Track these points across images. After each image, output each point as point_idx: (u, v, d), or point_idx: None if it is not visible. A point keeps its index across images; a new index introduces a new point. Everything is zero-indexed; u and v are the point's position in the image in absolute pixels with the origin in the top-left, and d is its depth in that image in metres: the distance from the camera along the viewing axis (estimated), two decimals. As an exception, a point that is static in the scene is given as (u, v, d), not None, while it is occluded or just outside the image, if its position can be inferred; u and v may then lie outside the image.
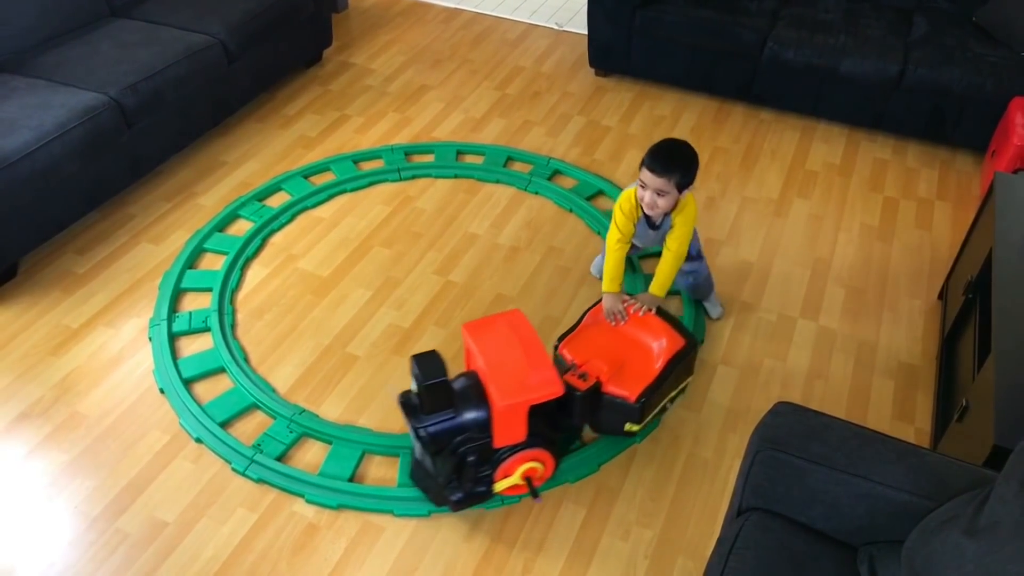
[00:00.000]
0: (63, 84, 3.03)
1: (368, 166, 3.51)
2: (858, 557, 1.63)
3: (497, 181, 3.41)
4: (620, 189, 3.36)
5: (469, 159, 3.57)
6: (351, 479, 2.28)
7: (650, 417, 2.31)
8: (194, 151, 3.54)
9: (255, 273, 2.96)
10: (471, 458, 2.04)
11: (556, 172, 3.46)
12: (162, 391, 2.51)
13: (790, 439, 1.69)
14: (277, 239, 3.11)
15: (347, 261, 3.02)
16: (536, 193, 3.35)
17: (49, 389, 2.52)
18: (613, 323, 2.38)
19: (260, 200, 3.28)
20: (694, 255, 2.61)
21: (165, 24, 3.46)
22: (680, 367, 2.29)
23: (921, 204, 3.38)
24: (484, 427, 2.02)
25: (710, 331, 2.77)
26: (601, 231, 3.13)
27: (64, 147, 2.83)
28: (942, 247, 3.16)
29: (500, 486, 2.12)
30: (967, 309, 2.47)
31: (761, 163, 3.59)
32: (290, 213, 3.21)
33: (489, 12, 4.76)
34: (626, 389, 2.19)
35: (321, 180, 3.42)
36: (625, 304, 2.40)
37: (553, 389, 1.99)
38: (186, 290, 2.86)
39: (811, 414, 1.75)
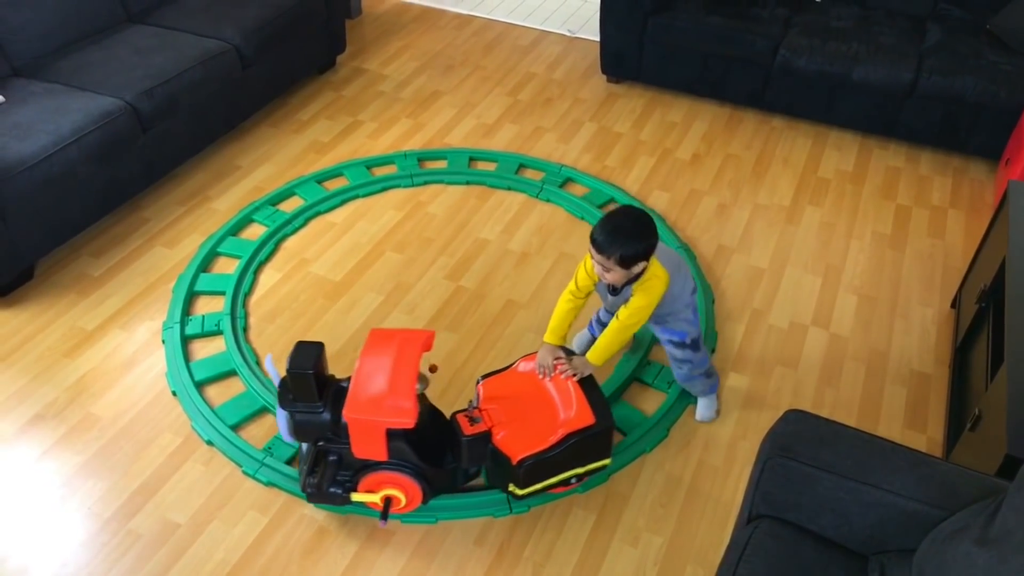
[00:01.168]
0: (80, 89, 3.07)
1: (381, 171, 3.53)
2: (868, 566, 1.63)
3: (509, 188, 3.42)
4: (630, 197, 3.37)
5: (481, 166, 3.58)
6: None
7: (540, 487, 2.12)
8: (208, 155, 3.57)
9: (268, 277, 2.98)
10: (332, 458, 2.06)
11: (568, 180, 3.47)
12: (174, 394, 2.53)
13: (801, 447, 1.69)
14: (290, 243, 3.13)
15: (359, 266, 3.03)
16: (547, 200, 3.36)
17: (64, 391, 2.55)
18: (541, 376, 2.19)
19: (273, 204, 3.30)
20: (687, 342, 2.32)
21: (181, 30, 3.49)
22: (585, 446, 2.08)
23: (934, 212, 3.37)
24: (343, 433, 2.00)
25: (721, 336, 2.77)
26: (612, 237, 3.14)
27: (81, 151, 2.86)
28: (955, 256, 3.14)
29: (358, 497, 2.08)
30: (980, 318, 2.46)
31: (773, 170, 3.59)
32: (303, 218, 3.23)
33: (501, 19, 4.78)
34: (513, 448, 2.04)
35: (334, 185, 3.44)
36: (557, 360, 2.19)
37: (403, 420, 1.92)
38: (199, 293, 2.89)
39: (822, 422, 1.75)
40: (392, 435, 1.98)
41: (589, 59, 4.37)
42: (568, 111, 3.95)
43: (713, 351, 2.71)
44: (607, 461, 2.20)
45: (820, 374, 2.66)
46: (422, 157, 3.60)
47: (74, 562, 2.11)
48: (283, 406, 2.03)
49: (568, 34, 4.65)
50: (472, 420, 2.08)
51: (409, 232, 3.19)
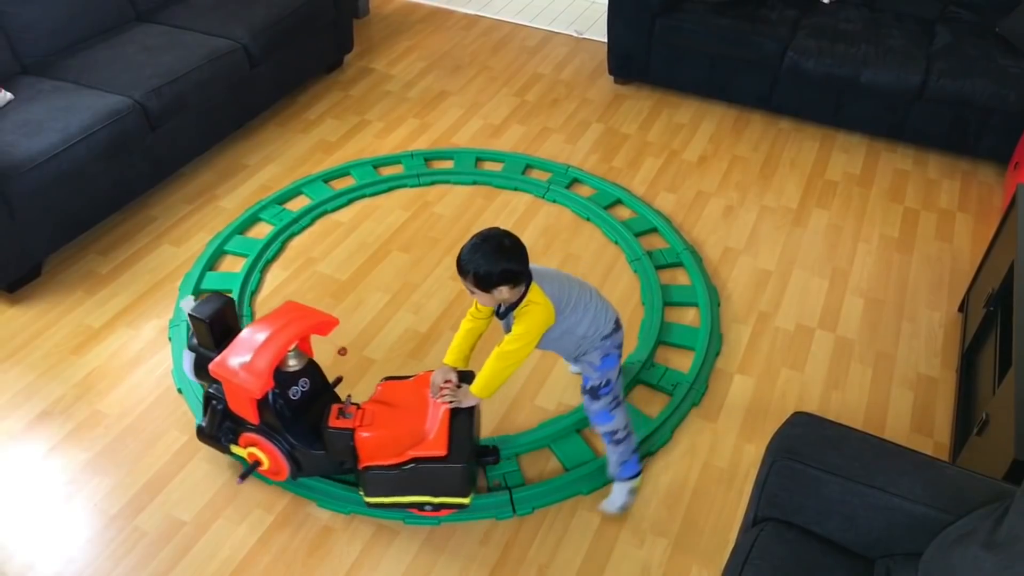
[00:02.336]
0: (89, 87, 3.08)
1: (388, 171, 3.53)
2: (875, 570, 1.62)
3: (515, 188, 3.42)
4: (637, 198, 3.37)
5: (488, 166, 3.58)
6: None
7: (387, 501, 2.12)
8: (216, 154, 3.58)
9: (274, 276, 2.99)
10: (218, 406, 2.15)
11: (574, 180, 3.47)
12: (180, 391, 2.54)
13: (807, 449, 1.69)
14: (297, 242, 3.14)
15: (365, 265, 3.04)
16: (554, 201, 3.36)
17: (70, 388, 2.55)
18: (431, 394, 2.11)
19: (280, 203, 3.31)
20: (586, 388, 2.11)
21: (189, 29, 3.50)
22: (430, 476, 2.03)
23: (942, 215, 3.36)
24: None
25: (727, 338, 2.76)
26: (618, 240, 3.14)
27: (89, 149, 2.87)
28: (963, 259, 3.13)
29: (236, 450, 2.21)
30: (988, 322, 2.45)
31: (780, 172, 3.58)
32: (310, 217, 3.24)
33: (509, 19, 4.78)
34: (365, 453, 2.04)
35: (341, 184, 3.44)
36: (446, 383, 2.08)
37: (251, 388, 1.98)
38: (206, 292, 2.89)
39: (828, 425, 1.74)
40: (263, 403, 2.04)
41: (596, 60, 4.37)
42: (575, 112, 3.95)
43: (717, 354, 2.71)
44: (464, 501, 2.10)
45: (827, 377, 2.65)
46: (429, 157, 3.61)
47: (80, 558, 2.11)
48: (188, 346, 2.21)
49: (575, 35, 4.64)
50: (343, 414, 2.07)
51: (415, 232, 3.20)
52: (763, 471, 1.73)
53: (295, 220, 3.21)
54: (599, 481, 2.30)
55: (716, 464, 2.38)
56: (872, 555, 1.65)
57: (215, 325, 2.13)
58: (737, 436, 2.46)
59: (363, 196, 3.37)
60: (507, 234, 1.91)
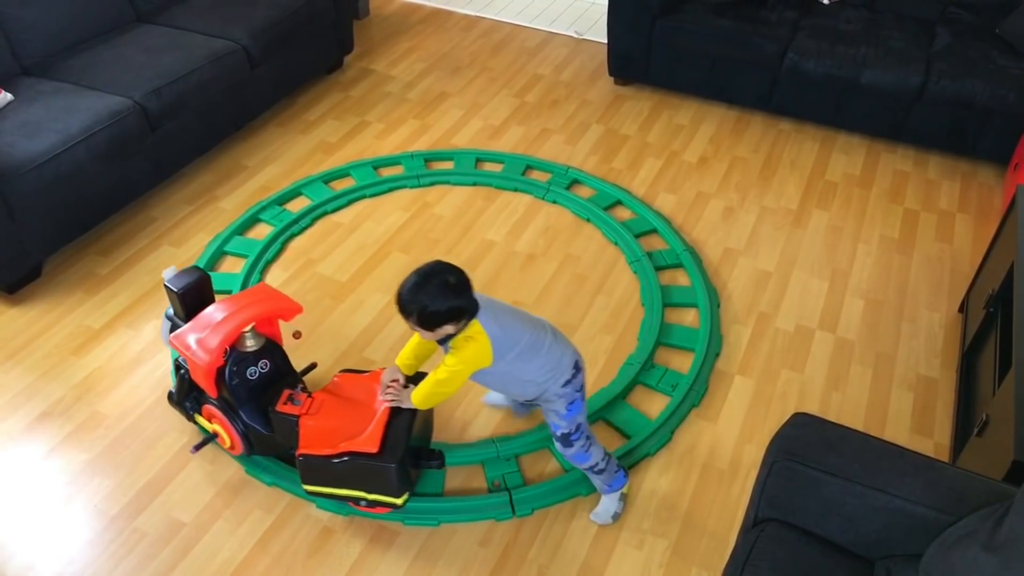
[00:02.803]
0: (89, 88, 3.08)
1: (388, 172, 3.53)
2: (875, 571, 1.62)
3: (515, 189, 3.42)
4: (637, 199, 3.37)
5: (488, 167, 3.58)
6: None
7: (323, 491, 2.12)
8: (216, 155, 3.58)
9: (274, 277, 2.99)
10: (186, 375, 2.23)
11: (574, 181, 3.47)
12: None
13: (807, 451, 1.69)
14: (296, 243, 3.14)
15: (365, 266, 3.04)
16: (554, 202, 3.36)
17: (70, 389, 2.55)
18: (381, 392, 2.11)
19: (280, 204, 3.31)
20: (557, 435, 2.05)
21: (189, 30, 3.50)
22: (362, 472, 2.03)
23: (942, 216, 3.36)
24: None
25: (727, 339, 2.76)
26: (618, 241, 3.14)
27: (89, 150, 2.87)
28: (963, 260, 3.13)
29: (200, 420, 2.29)
30: (988, 323, 2.45)
31: (780, 173, 3.58)
32: (310, 218, 3.24)
33: (509, 20, 4.78)
34: (304, 440, 2.06)
35: (341, 185, 3.44)
36: (393, 382, 2.09)
37: (198, 361, 2.06)
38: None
39: (829, 426, 1.74)
40: (220, 379, 2.10)
41: (596, 61, 4.37)
42: (575, 113, 3.95)
43: (717, 355, 2.71)
44: (397, 501, 2.08)
45: (827, 378, 2.65)
46: (429, 158, 3.61)
47: (79, 560, 2.11)
48: (166, 314, 2.30)
49: (576, 36, 4.65)
50: (292, 400, 2.10)
51: (415, 233, 3.20)
52: (763, 472, 1.73)
53: (295, 221, 3.21)
54: (599, 482, 2.30)
55: (716, 465, 2.38)
56: (872, 556, 1.65)
57: (187, 297, 2.20)
58: (737, 437, 2.45)
59: (363, 197, 3.37)
60: (451, 269, 1.84)
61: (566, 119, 3.90)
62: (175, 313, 2.27)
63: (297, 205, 3.32)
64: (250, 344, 2.14)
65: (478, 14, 4.85)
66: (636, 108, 4.00)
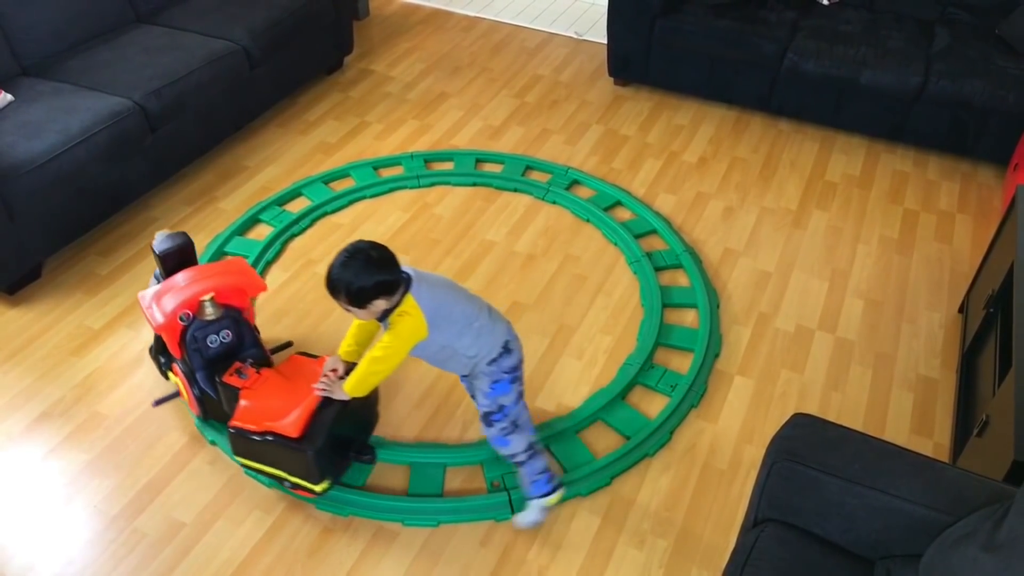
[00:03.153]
0: (89, 89, 3.08)
1: (387, 172, 3.53)
2: (875, 571, 1.62)
3: (515, 190, 3.42)
4: (637, 200, 3.37)
5: (488, 167, 3.59)
6: (362, 487, 2.29)
7: (251, 465, 2.18)
8: (216, 155, 3.58)
9: (274, 277, 2.99)
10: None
11: (574, 182, 3.47)
12: (179, 392, 2.54)
13: (807, 451, 1.69)
14: (296, 244, 3.14)
15: (365, 266, 3.03)
16: (554, 202, 3.36)
17: (70, 389, 2.55)
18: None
19: (280, 205, 3.31)
20: (480, 412, 2.07)
21: (189, 30, 3.50)
22: (282, 454, 2.08)
23: (942, 217, 3.36)
24: None
25: (727, 340, 2.76)
26: (618, 241, 3.14)
27: (89, 151, 2.87)
28: (963, 260, 3.13)
29: (172, 377, 2.41)
30: (988, 323, 2.45)
31: (780, 174, 3.58)
32: (310, 218, 3.24)
33: (509, 21, 4.79)
34: (238, 413, 2.11)
35: (341, 186, 3.44)
36: (332, 371, 2.10)
37: (151, 322, 2.20)
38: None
39: (829, 426, 1.74)
40: (182, 342, 2.20)
41: (596, 61, 4.37)
42: (575, 113, 3.95)
43: (717, 356, 2.71)
44: (315, 488, 2.12)
45: (826, 378, 2.65)
46: (429, 158, 3.61)
47: (80, 560, 2.11)
48: (154, 274, 2.40)
49: (575, 36, 4.65)
50: (239, 372, 2.18)
51: (415, 233, 3.20)
52: (763, 472, 1.73)
53: (295, 221, 3.21)
54: (598, 483, 2.30)
55: (716, 465, 2.38)
56: (872, 556, 1.65)
57: (167, 259, 2.30)
58: (737, 437, 2.46)
59: (363, 198, 3.37)
60: (374, 245, 1.88)
61: (566, 120, 3.90)
62: (159, 274, 2.37)
63: (297, 206, 3.32)
64: (209, 312, 2.20)
65: (478, 15, 4.85)
66: (636, 109, 4.00)
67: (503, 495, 2.25)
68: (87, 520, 2.20)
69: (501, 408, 2.05)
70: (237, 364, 2.20)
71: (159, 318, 2.18)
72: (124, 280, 2.95)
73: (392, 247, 3.08)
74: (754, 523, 1.75)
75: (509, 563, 2.12)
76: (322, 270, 2.99)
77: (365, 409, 2.27)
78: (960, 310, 2.87)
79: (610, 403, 2.51)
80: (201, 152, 3.48)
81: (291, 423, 2.05)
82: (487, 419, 2.07)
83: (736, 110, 4.00)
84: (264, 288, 2.32)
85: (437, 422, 2.48)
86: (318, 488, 2.13)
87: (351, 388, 2.02)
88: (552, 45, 4.56)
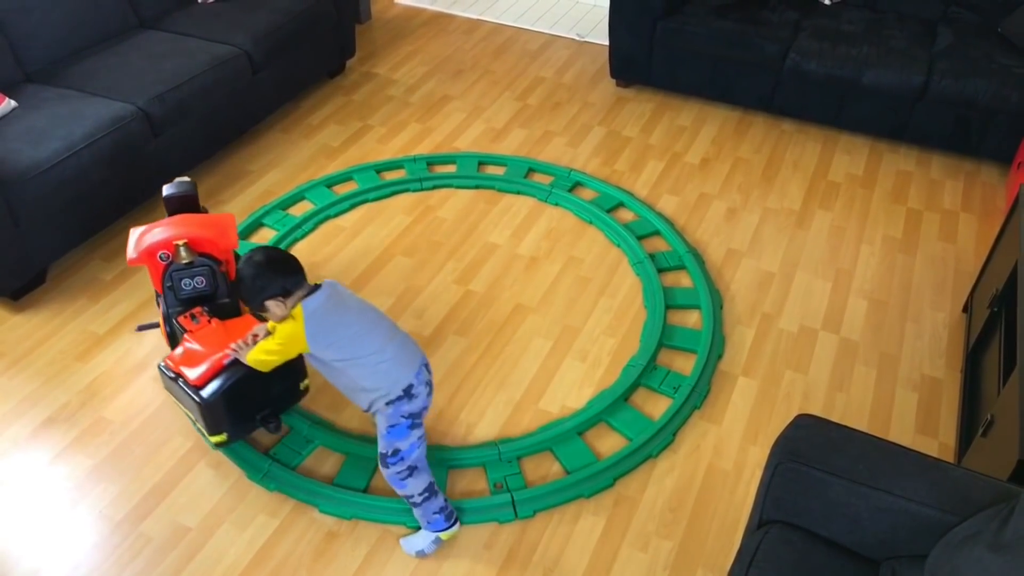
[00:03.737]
0: (92, 95, 3.09)
1: (390, 176, 3.54)
2: (880, 572, 1.62)
3: (518, 192, 3.43)
4: (639, 201, 3.37)
5: (490, 170, 3.59)
6: (365, 490, 2.29)
7: (175, 401, 2.38)
8: (219, 160, 3.59)
9: (278, 281, 2.99)
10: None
11: (577, 184, 3.47)
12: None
13: (811, 452, 1.68)
14: (299, 247, 3.14)
15: (369, 270, 3.04)
16: (556, 204, 3.36)
17: (75, 394, 2.56)
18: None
19: (283, 209, 3.32)
20: (379, 451, 2.03)
21: (192, 35, 3.51)
22: (186, 397, 2.17)
23: (945, 216, 3.35)
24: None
25: (731, 340, 2.76)
26: (621, 243, 3.14)
27: (93, 156, 2.88)
28: (967, 260, 3.13)
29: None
30: (992, 322, 2.45)
31: (783, 174, 3.58)
32: (313, 222, 3.24)
33: (511, 23, 4.79)
34: (172, 353, 2.24)
35: (344, 189, 3.45)
36: (254, 338, 2.11)
37: (128, 253, 2.33)
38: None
39: (833, 427, 1.74)
40: (163, 277, 2.34)
41: (598, 63, 4.37)
42: (577, 115, 3.95)
43: (720, 357, 2.70)
44: (211, 439, 2.23)
45: (831, 378, 2.65)
46: (431, 161, 3.61)
47: (85, 565, 2.11)
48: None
49: (577, 38, 4.65)
50: (193, 317, 2.31)
51: (418, 236, 3.20)
52: (767, 474, 1.73)
53: (298, 225, 3.21)
54: (601, 484, 2.30)
55: (720, 466, 2.37)
56: (877, 557, 1.65)
57: (170, 202, 2.45)
58: (741, 438, 2.45)
59: (366, 201, 3.38)
60: (271, 251, 2.01)
61: (568, 121, 3.90)
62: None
63: (300, 209, 3.33)
64: (183, 256, 2.31)
65: (480, 17, 4.85)
66: (638, 110, 4.00)
67: (506, 496, 2.25)
68: (92, 524, 2.21)
69: (396, 452, 2.00)
70: (197, 309, 2.31)
71: (131, 253, 2.33)
72: (128, 285, 2.96)
73: (395, 250, 3.12)
74: (759, 524, 1.75)
75: (514, 565, 2.12)
76: (326, 274, 3.01)
77: (281, 381, 2.28)
78: (964, 309, 2.87)
79: (613, 404, 2.51)
80: (204, 157, 3.49)
81: (197, 372, 2.15)
82: (382, 460, 2.03)
83: (738, 111, 3.99)
84: (234, 247, 2.40)
85: (440, 427, 2.48)
86: (213, 439, 2.22)
87: (250, 359, 2.08)
88: (554, 47, 4.56)
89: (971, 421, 2.34)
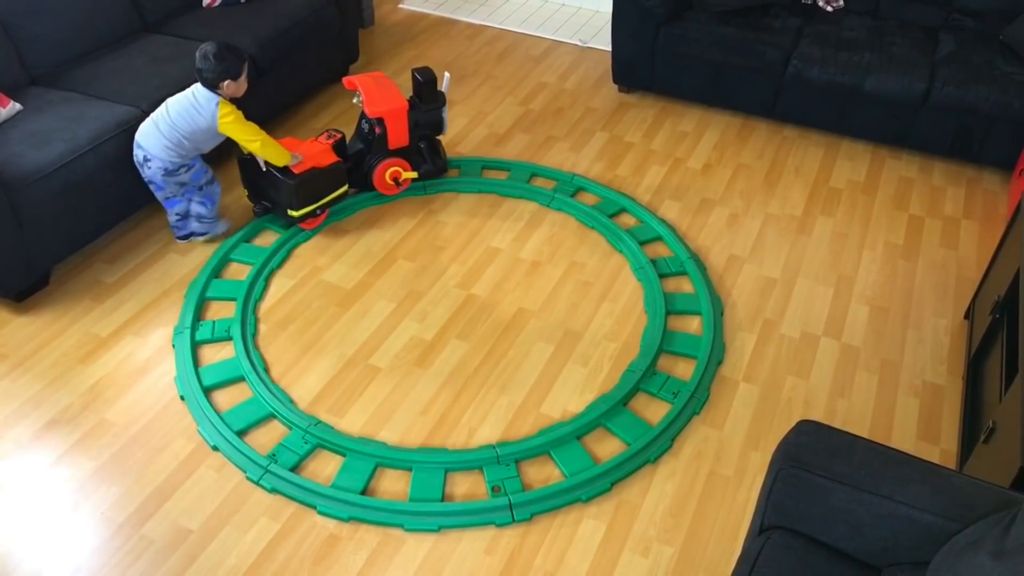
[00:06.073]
0: (97, 98, 3.10)
1: (392, 180, 3.54)
2: (881, 578, 1.62)
3: (520, 196, 3.43)
4: (641, 207, 3.37)
5: (493, 174, 3.59)
6: (363, 492, 2.30)
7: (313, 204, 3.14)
8: (222, 163, 3.60)
9: (280, 284, 3.00)
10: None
11: (579, 189, 3.48)
12: (182, 398, 2.55)
13: (813, 457, 1.69)
14: (302, 251, 3.15)
15: (371, 274, 3.05)
16: (559, 209, 3.37)
17: (78, 396, 2.57)
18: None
19: (286, 212, 3.32)
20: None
21: (197, 39, 3.50)
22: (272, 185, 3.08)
23: (947, 223, 3.36)
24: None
25: (732, 347, 2.76)
26: (622, 248, 3.14)
27: (97, 159, 2.89)
28: (968, 267, 3.13)
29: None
30: (994, 329, 2.45)
31: (785, 180, 3.58)
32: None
33: (513, 29, 4.80)
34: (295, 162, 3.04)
35: (346, 193, 3.45)
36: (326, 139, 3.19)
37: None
38: (211, 299, 2.91)
39: (834, 433, 1.74)
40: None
41: (601, 69, 4.38)
42: (579, 120, 3.96)
43: (720, 363, 2.71)
44: (293, 213, 3.08)
45: (832, 385, 2.65)
46: (434, 166, 3.62)
47: (87, 567, 2.12)
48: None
49: (580, 44, 4.66)
50: (330, 134, 3.21)
51: (421, 240, 3.21)
52: (769, 479, 1.73)
53: (300, 228, 3.22)
54: (598, 488, 2.30)
55: (722, 472, 2.38)
56: (879, 564, 1.65)
57: (416, 81, 3.35)
58: (743, 444, 2.45)
59: (368, 205, 3.38)
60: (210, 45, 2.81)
61: (571, 127, 3.91)
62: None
63: (303, 213, 3.33)
64: (355, 101, 3.25)
65: (483, 23, 4.87)
66: (640, 115, 4.01)
67: (503, 499, 2.25)
68: (94, 527, 2.21)
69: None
70: (334, 130, 3.24)
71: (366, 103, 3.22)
72: (131, 288, 2.97)
73: (398, 254, 3.13)
74: (760, 530, 1.75)
75: (514, 570, 2.12)
76: (328, 277, 3.02)
77: (324, 179, 3.13)
78: (966, 316, 2.87)
79: (611, 409, 2.51)
80: (208, 160, 3.48)
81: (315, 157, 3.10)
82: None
83: (740, 116, 4.00)
84: (380, 112, 3.17)
85: (442, 430, 2.48)
86: (295, 213, 3.08)
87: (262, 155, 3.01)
88: (557, 53, 4.57)
89: (973, 428, 2.34)
